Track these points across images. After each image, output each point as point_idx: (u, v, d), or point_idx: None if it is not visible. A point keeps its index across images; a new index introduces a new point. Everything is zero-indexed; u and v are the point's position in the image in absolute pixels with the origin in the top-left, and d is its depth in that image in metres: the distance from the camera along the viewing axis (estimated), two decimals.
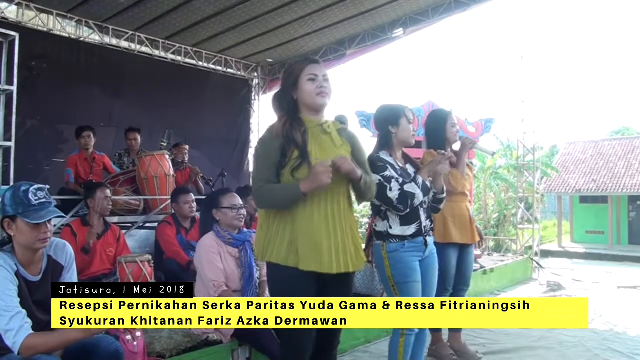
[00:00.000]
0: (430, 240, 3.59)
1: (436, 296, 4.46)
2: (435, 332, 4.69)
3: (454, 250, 4.51)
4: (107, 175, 7.30)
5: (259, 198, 2.74)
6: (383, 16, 10.25)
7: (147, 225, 6.91)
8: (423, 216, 3.52)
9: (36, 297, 2.67)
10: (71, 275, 2.87)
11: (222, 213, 4.01)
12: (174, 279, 5.29)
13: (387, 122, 3.61)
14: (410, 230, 3.46)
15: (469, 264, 4.77)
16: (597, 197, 22.76)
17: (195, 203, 5.75)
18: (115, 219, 6.18)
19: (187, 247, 5.53)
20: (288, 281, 2.71)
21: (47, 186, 2.74)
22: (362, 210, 18.92)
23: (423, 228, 3.51)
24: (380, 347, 5.12)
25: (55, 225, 5.68)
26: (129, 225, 6.69)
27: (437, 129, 4.55)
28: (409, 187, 3.40)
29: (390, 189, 3.37)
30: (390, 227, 3.47)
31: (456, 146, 4.64)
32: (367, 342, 5.26)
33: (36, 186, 2.66)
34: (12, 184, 5.11)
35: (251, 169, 12.44)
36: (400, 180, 3.43)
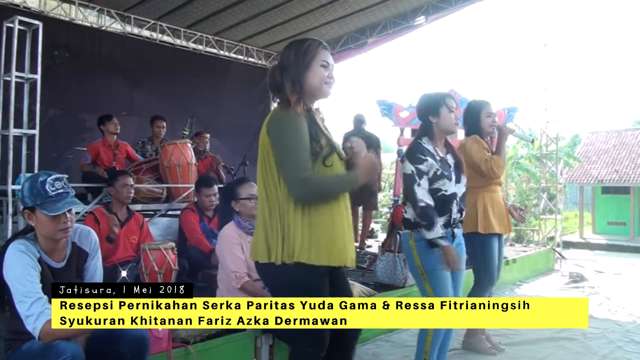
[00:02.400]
0: (458, 232, 3.58)
1: (480, 290, 4.46)
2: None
3: (495, 241, 4.44)
4: (130, 163, 7.36)
5: (311, 190, 2.50)
6: (405, 4, 10.18)
7: (170, 213, 6.95)
8: (455, 208, 3.50)
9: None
10: (96, 262, 2.89)
11: (240, 204, 4.01)
12: (197, 266, 5.36)
13: (427, 112, 3.59)
14: (440, 221, 3.43)
15: (502, 254, 4.70)
16: (619, 188, 22.47)
17: (216, 196, 5.77)
18: (138, 207, 6.25)
19: (210, 234, 5.57)
20: (315, 281, 2.55)
21: (66, 175, 2.72)
22: (382, 200, 18.86)
23: (452, 220, 3.49)
24: (402, 337, 5.12)
25: (78, 213, 5.74)
26: (152, 212, 6.74)
27: (472, 118, 4.54)
28: (440, 184, 3.43)
29: (419, 185, 3.37)
30: None
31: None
32: (389, 331, 5.25)
33: (54, 176, 2.65)
34: (36, 171, 5.17)
35: None
36: (439, 172, 3.43)
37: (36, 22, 5.50)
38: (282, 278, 2.58)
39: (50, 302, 2.50)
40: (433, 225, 3.32)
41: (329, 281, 2.63)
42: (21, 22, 5.37)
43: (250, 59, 12.37)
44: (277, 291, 2.65)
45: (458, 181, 3.52)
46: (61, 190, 2.63)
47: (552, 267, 9.52)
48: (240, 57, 12.19)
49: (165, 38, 10.78)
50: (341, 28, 11.31)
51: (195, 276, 5.44)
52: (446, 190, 3.44)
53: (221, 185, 6.39)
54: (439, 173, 3.42)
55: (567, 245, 15.17)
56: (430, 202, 3.37)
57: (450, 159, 3.58)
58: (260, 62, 12.56)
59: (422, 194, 3.37)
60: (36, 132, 5.41)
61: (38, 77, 5.42)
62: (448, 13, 10.18)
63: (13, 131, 5.23)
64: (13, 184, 5.20)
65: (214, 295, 4.21)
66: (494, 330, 5.13)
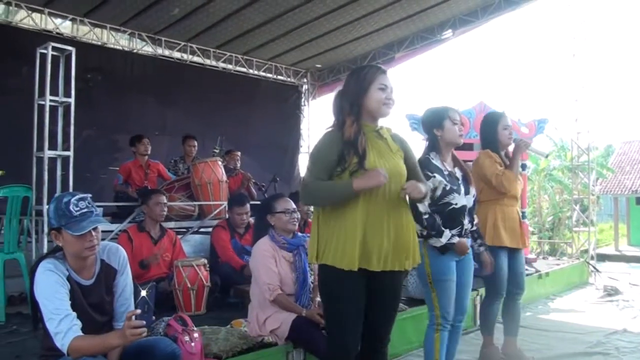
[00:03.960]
0: (469, 242, 3.67)
1: (490, 302, 4.49)
2: (487, 335, 4.61)
3: (504, 254, 4.40)
4: (162, 182, 7.48)
5: (307, 192, 2.82)
6: (432, 18, 10.20)
7: (202, 230, 7.04)
8: (466, 220, 3.61)
9: (90, 300, 2.74)
10: (125, 278, 2.92)
11: (276, 217, 4.05)
12: (229, 282, 5.42)
13: (431, 125, 3.70)
14: (453, 233, 3.55)
15: (522, 267, 4.64)
16: None
17: (248, 214, 5.86)
18: (171, 224, 6.35)
19: (241, 251, 5.63)
20: (338, 282, 2.77)
21: (89, 195, 2.78)
22: None
23: (464, 231, 3.60)
24: None
25: (112, 231, 5.85)
26: (184, 230, 6.83)
27: (489, 131, 4.52)
28: (450, 198, 3.53)
29: None
30: None
31: (511, 148, 4.61)
32: (420, 346, 5.19)
33: (78, 196, 2.71)
34: (71, 191, 5.29)
35: (302, 174, 12.64)
36: (447, 187, 3.53)
37: (69, 47, 5.62)
38: (320, 276, 2.93)
39: (78, 318, 2.56)
40: (442, 232, 3.47)
41: (367, 286, 2.81)
42: (54, 48, 5.48)
43: (279, 77, 12.52)
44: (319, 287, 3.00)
45: (467, 193, 3.62)
46: (85, 210, 2.68)
47: (586, 281, 9.36)
48: (269, 75, 12.34)
49: (196, 59, 10.98)
50: (368, 44, 11.38)
51: (228, 292, 5.51)
52: (456, 204, 3.54)
53: (253, 202, 6.46)
54: (447, 188, 3.52)
55: (602, 257, 14.87)
56: (430, 212, 3.49)
57: (457, 172, 3.67)
58: (289, 79, 12.69)
59: (424, 208, 3.46)
60: (70, 153, 5.51)
61: (72, 100, 5.53)
62: (475, 26, 10.16)
63: (48, 153, 5.33)
64: (48, 204, 5.30)
65: (245, 311, 4.26)
66: (527, 345, 5.10)
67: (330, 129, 2.90)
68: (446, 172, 3.58)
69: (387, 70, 2.96)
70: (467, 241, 3.66)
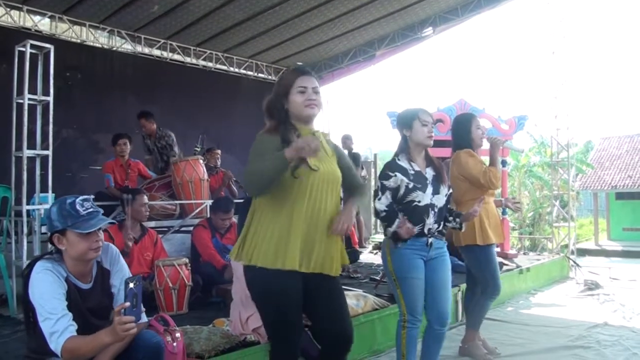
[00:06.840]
0: (435, 242, 3.61)
1: (489, 299, 4.50)
2: (473, 329, 4.63)
3: (494, 250, 4.48)
4: (142, 181, 7.42)
5: (248, 179, 2.74)
6: (412, 16, 10.26)
7: (183, 229, 7.00)
8: (431, 219, 3.54)
9: (89, 304, 2.71)
10: (119, 272, 2.89)
11: None
12: (211, 282, 5.39)
13: (401, 126, 3.70)
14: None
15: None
16: (633, 193, 22.21)
17: (230, 220, 5.87)
18: (152, 224, 6.30)
19: (222, 250, 5.61)
20: (272, 282, 2.73)
21: (92, 196, 2.78)
22: None
23: (427, 230, 3.54)
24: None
25: None
26: (166, 229, 6.79)
27: (462, 131, 4.57)
28: (413, 196, 3.51)
29: (379, 199, 3.54)
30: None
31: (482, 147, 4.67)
32: None
33: (82, 197, 2.69)
34: (50, 191, 5.24)
35: None
36: (410, 185, 3.52)
37: (47, 45, 5.55)
38: (247, 277, 2.90)
39: (74, 320, 2.53)
40: (393, 222, 3.46)
41: (304, 286, 2.78)
42: (33, 46, 5.42)
43: (260, 75, 12.49)
44: (248, 288, 2.94)
45: (436, 192, 3.58)
46: (91, 210, 2.67)
47: (566, 275, 9.43)
48: (250, 72, 12.33)
49: (176, 56, 10.93)
50: (349, 42, 11.42)
51: (209, 291, 5.48)
52: (419, 202, 3.51)
53: (236, 200, 6.43)
54: (410, 186, 3.50)
55: (583, 252, 14.99)
56: (390, 208, 3.52)
57: (429, 172, 3.63)
58: (270, 77, 12.66)
59: (380, 206, 3.54)
60: (49, 152, 5.45)
61: (50, 99, 5.47)
62: (455, 24, 10.24)
63: (27, 152, 5.27)
64: (28, 204, 5.25)
65: (228, 310, 4.25)
66: (509, 339, 5.13)
67: (264, 132, 2.90)
68: (412, 172, 3.56)
69: (309, 71, 2.94)
70: (435, 242, 3.61)
